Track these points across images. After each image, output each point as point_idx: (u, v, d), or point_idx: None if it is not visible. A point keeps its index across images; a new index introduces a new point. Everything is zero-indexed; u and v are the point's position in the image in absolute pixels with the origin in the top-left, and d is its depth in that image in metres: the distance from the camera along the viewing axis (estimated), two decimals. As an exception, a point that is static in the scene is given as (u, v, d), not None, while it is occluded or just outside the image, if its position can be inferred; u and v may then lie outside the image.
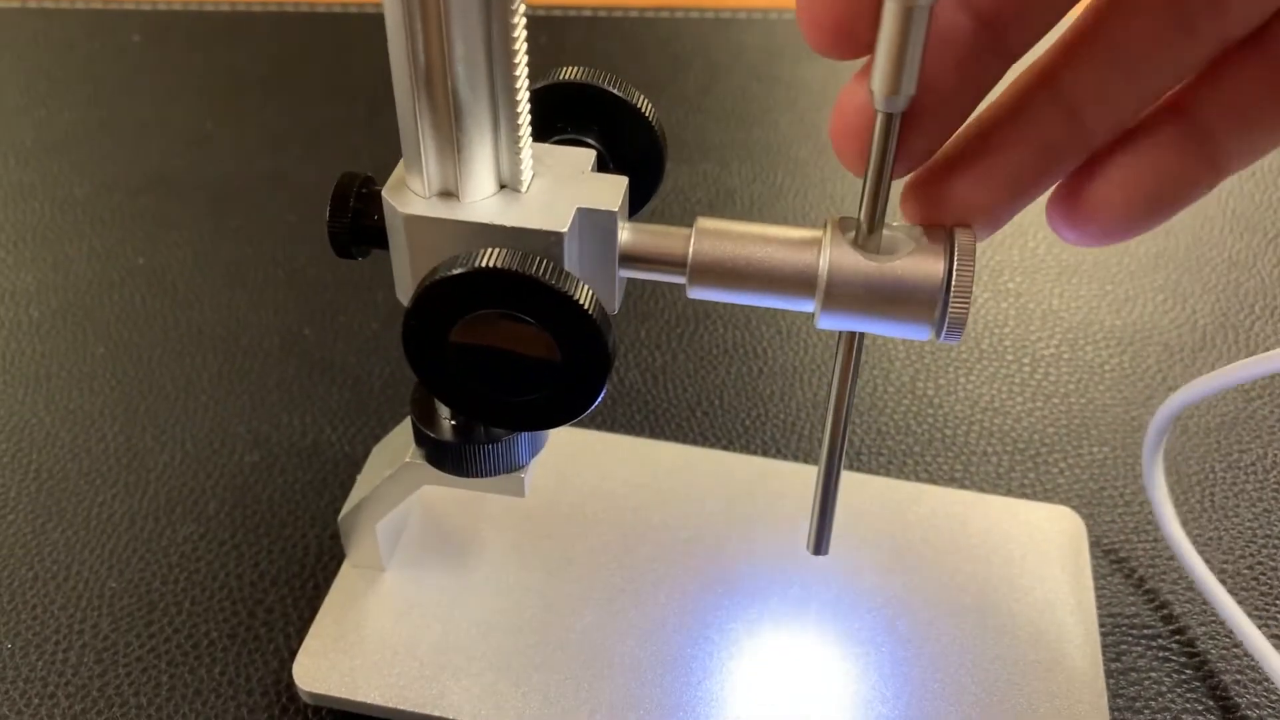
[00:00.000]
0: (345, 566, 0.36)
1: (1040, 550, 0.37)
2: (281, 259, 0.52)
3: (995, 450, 0.43)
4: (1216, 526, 0.41)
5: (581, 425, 0.42)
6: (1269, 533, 0.41)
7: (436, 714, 0.33)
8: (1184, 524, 0.41)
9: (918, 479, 0.42)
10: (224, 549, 0.39)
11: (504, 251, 0.25)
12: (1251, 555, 0.40)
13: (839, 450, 0.29)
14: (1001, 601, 0.36)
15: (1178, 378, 0.47)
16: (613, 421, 0.44)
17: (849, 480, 0.39)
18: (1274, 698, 0.35)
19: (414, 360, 0.26)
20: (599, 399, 0.26)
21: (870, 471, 0.42)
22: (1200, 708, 0.35)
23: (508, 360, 0.26)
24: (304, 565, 0.39)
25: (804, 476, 0.39)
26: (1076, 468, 0.43)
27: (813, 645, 0.34)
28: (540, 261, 0.25)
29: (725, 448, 0.43)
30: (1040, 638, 0.35)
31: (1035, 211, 0.55)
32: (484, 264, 0.25)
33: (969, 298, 0.26)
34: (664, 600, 0.35)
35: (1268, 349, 0.48)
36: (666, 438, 0.43)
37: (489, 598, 0.35)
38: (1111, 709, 0.35)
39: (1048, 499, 0.40)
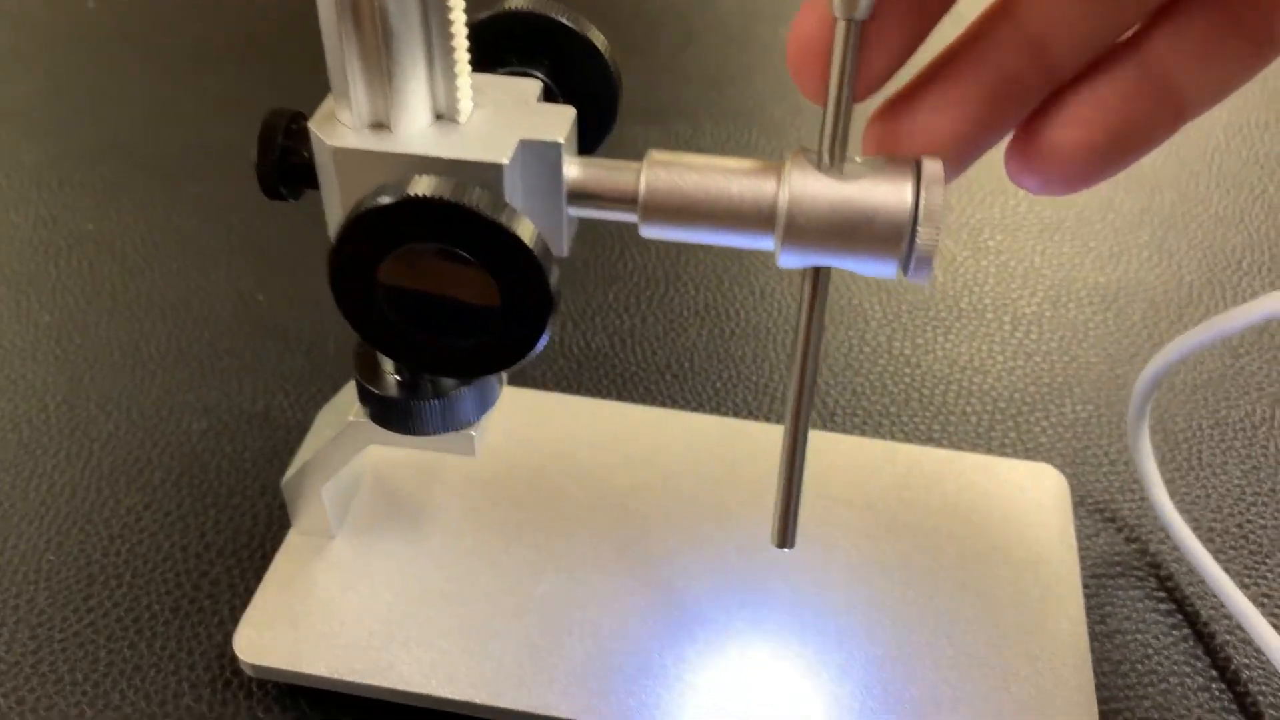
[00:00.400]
0: (291, 534, 0.35)
1: (1021, 509, 0.36)
2: (236, 226, 0.50)
3: (975, 409, 0.42)
4: (1204, 484, 0.39)
5: (544, 388, 0.40)
6: (1258, 490, 0.39)
7: (385, 685, 0.31)
8: (1170, 483, 0.39)
9: (893, 440, 0.40)
10: (169, 519, 0.38)
11: (437, 180, 0.23)
12: (1240, 514, 0.38)
13: (803, 427, 0.27)
14: (980, 562, 0.34)
15: (1164, 334, 0.45)
16: (579, 387, 0.43)
17: (819, 440, 0.38)
18: (1262, 660, 0.34)
19: (342, 301, 0.24)
20: (541, 343, 0.24)
21: (843, 432, 0.41)
22: (1188, 670, 0.34)
23: (442, 300, 0.24)
24: (252, 535, 0.37)
25: (777, 436, 0.38)
26: (1059, 426, 0.41)
27: (782, 609, 0.33)
28: (477, 191, 0.23)
29: (696, 411, 0.41)
30: (1022, 599, 0.33)
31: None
32: (415, 193, 0.23)
33: (938, 226, 0.24)
34: (628, 566, 0.34)
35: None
36: (635, 402, 0.42)
37: (443, 565, 0.34)
38: (1096, 672, 0.33)
39: (1030, 458, 0.39)
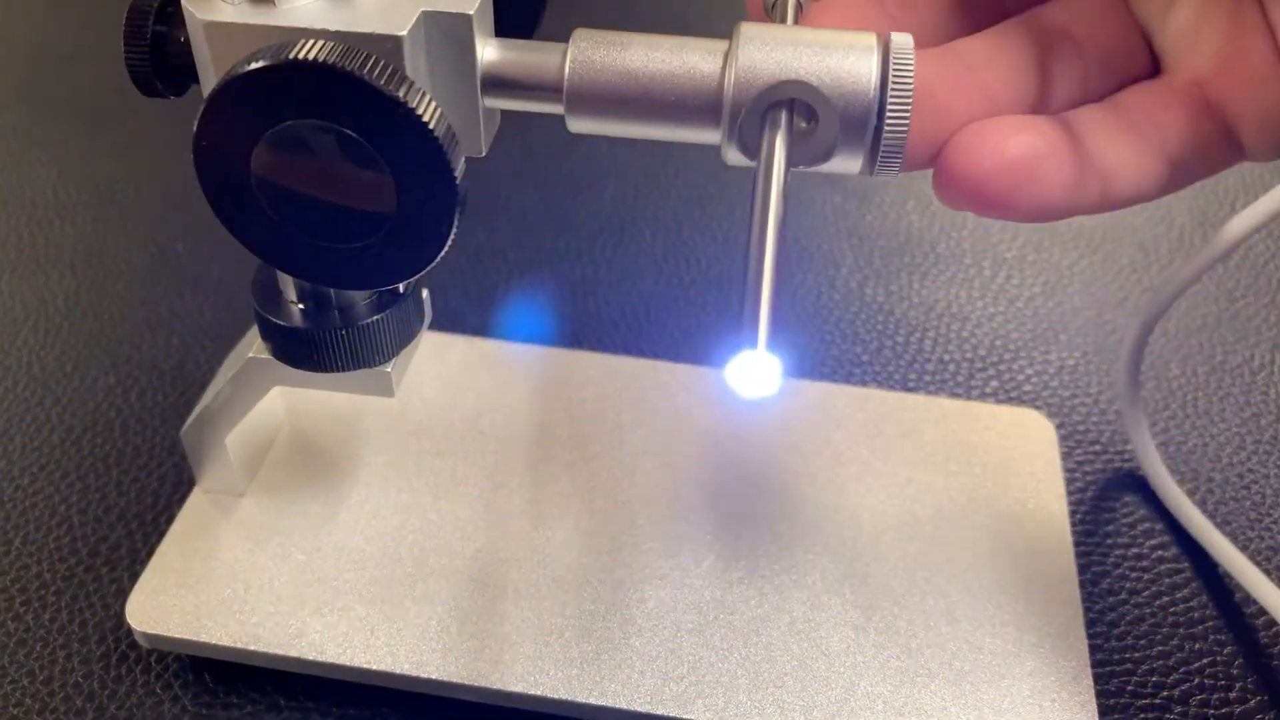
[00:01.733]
0: (196, 492, 0.31)
1: (1005, 457, 0.32)
2: (155, 176, 0.46)
3: (954, 357, 0.39)
4: (1201, 434, 0.36)
5: (482, 335, 0.37)
6: (1258, 438, 0.36)
7: (294, 655, 0.27)
8: (1165, 432, 0.36)
9: (865, 387, 0.37)
10: (65, 481, 0.34)
11: (322, 43, 0.20)
12: (1240, 463, 0.35)
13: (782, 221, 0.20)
14: (962, 514, 0.31)
15: (1153, 278, 0.42)
16: (525, 337, 0.39)
17: (789, 387, 0.34)
18: (1257, 613, 0.31)
19: (210, 192, 0.21)
20: (445, 248, 0.21)
21: (810, 380, 0.37)
22: (1188, 633, 0.31)
23: (328, 195, 0.20)
24: (158, 497, 0.33)
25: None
26: (1045, 374, 0.38)
27: (740, 565, 0.29)
28: (371, 58, 0.20)
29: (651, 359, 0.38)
30: (1008, 553, 0.30)
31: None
32: (295, 56, 0.19)
33: (909, 106, 0.21)
34: (569, 520, 0.30)
35: (1250, 247, 0.44)
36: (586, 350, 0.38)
37: (363, 523, 0.30)
38: (1090, 635, 0.30)
39: (1017, 406, 0.36)
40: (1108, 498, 0.34)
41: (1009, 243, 0.44)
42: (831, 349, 0.39)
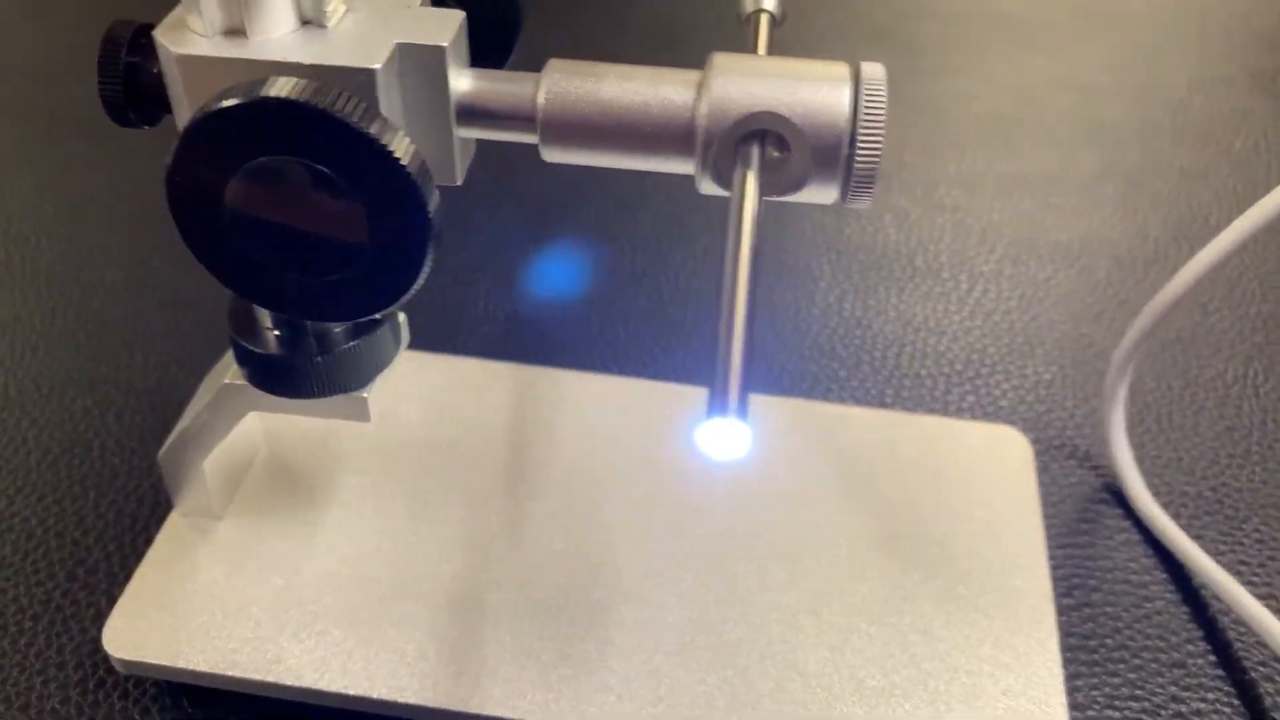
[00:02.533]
0: (173, 516, 0.31)
1: (981, 474, 0.33)
2: (133, 194, 0.46)
3: (930, 372, 0.39)
4: (1175, 448, 0.36)
5: (462, 354, 0.37)
6: (1231, 452, 0.36)
7: (272, 680, 0.27)
8: (1140, 446, 0.36)
9: (848, 405, 0.37)
10: (43, 504, 0.34)
11: (295, 80, 0.20)
12: (1214, 477, 0.36)
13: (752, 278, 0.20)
14: (938, 531, 0.31)
15: (1129, 291, 0.42)
16: (505, 355, 0.39)
17: (760, 403, 0.35)
18: (1240, 631, 0.31)
19: (183, 227, 0.21)
20: (420, 279, 0.21)
21: (788, 396, 0.37)
22: (1161, 644, 0.31)
23: (300, 229, 0.21)
24: (136, 519, 0.33)
25: (699, 399, 0.35)
26: (1021, 388, 0.38)
27: (719, 585, 0.29)
28: (343, 95, 0.20)
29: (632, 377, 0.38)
30: (983, 570, 0.30)
31: (972, 123, 0.51)
32: (269, 94, 0.19)
33: (880, 136, 0.21)
34: (548, 541, 0.30)
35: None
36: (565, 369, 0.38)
37: (340, 546, 0.30)
38: (1064, 648, 0.30)
39: (990, 422, 0.36)
40: (1084, 512, 0.34)
41: (986, 256, 0.44)
42: (810, 365, 0.39)
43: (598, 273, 0.43)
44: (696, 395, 0.35)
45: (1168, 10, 0.60)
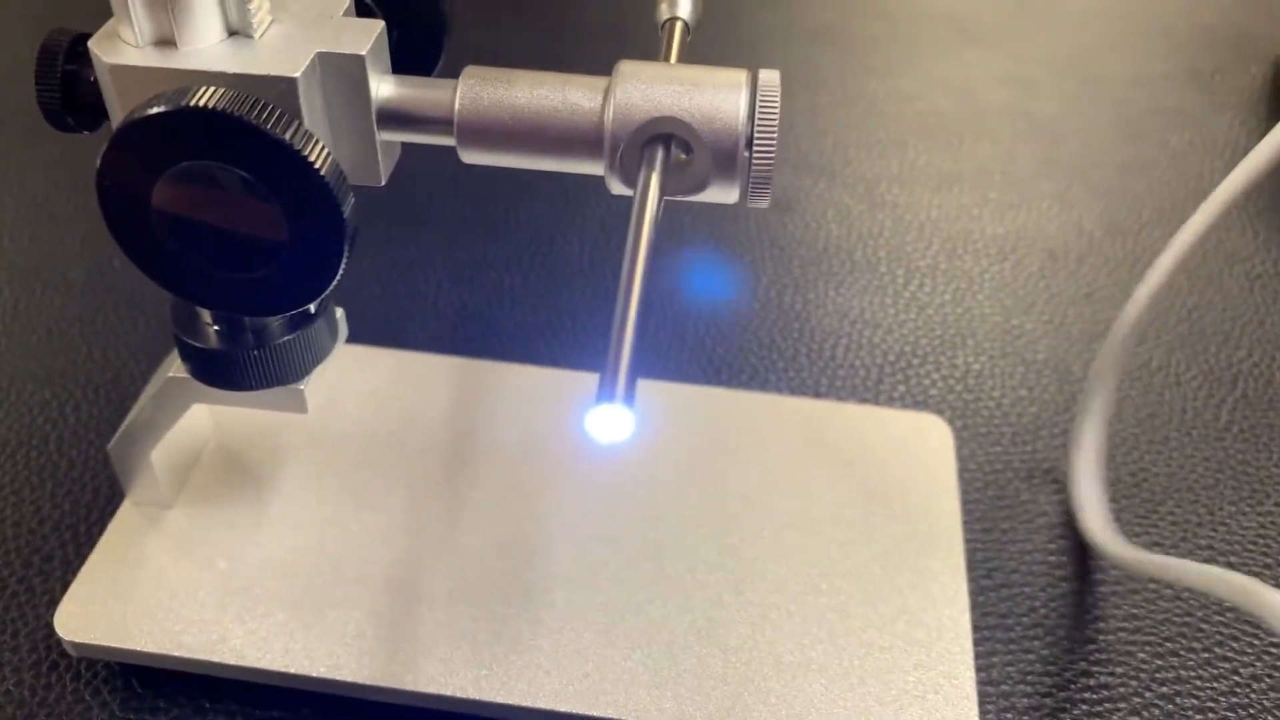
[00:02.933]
0: (126, 505, 0.32)
1: (902, 459, 0.34)
2: (93, 192, 0.47)
3: (864, 363, 0.40)
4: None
5: (410, 349, 0.38)
6: (1151, 438, 0.38)
7: (216, 660, 0.29)
8: (1065, 433, 0.38)
9: (779, 395, 0.38)
10: (0, 495, 0.35)
11: (217, 90, 0.21)
12: (1134, 461, 0.37)
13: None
14: (859, 514, 0.32)
15: (1061, 284, 0.44)
16: (453, 348, 0.40)
17: (694, 394, 0.36)
18: (1151, 608, 0.33)
19: (113, 226, 0.22)
20: (337, 277, 0.22)
21: (727, 387, 0.39)
22: (1073, 623, 0.32)
23: (224, 229, 0.22)
24: (91, 509, 0.35)
25: (657, 393, 0.36)
26: (951, 378, 0.40)
27: (649, 568, 0.31)
28: (262, 104, 0.21)
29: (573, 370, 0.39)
30: (900, 551, 0.31)
31: (914, 121, 0.52)
32: (191, 103, 0.21)
33: (774, 139, 0.22)
34: (485, 528, 0.32)
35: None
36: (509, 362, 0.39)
37: (285, 533, 0.31)
38: (978, 626, 0.32)
39: (919, 411, 0.37)
40: (1005, 496, 0.36)
41: (922, 251, 0.45)
42: (749, 357, 0.40)
43: (545, 268, 0.44)
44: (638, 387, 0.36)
45: (1109, 9, 0.62)
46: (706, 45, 0.52)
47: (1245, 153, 0.27)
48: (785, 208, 0.47)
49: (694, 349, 0.41)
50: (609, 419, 0.19)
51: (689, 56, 0.26)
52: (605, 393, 0.19)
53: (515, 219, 0.46)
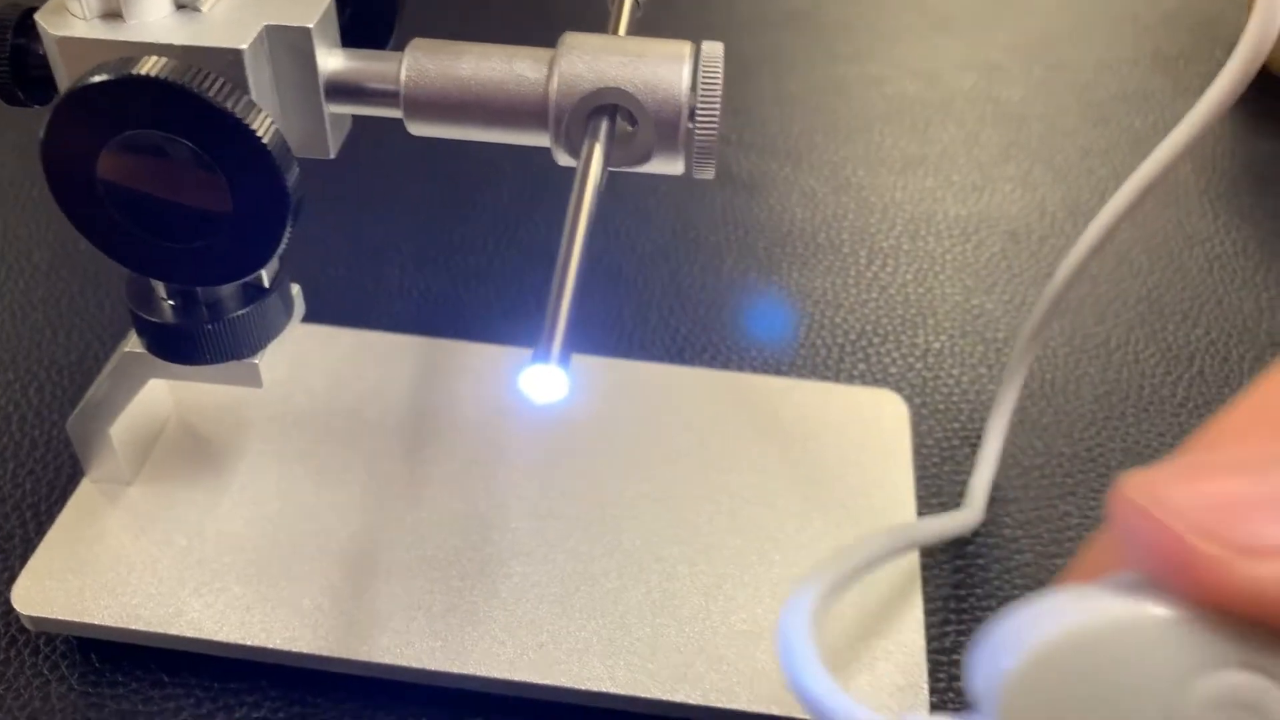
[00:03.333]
0: (85, 482, 0.32)
1: (857, 434, 0.34)
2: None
3: (826, 342, 0.41)
4: (1056, 410, 0.38)
5: (375, 329, 0.38)
6: (1109, 414, 0.38)
7: (174, 633, 0.29)
8: (1022, 409, 0.38)
9: (738, 372, 0.39)
10: (-38, 474, 0.35)
11: (162, 59, 0.21)
12: (1090, 438, 0.37)
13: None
14: (813, 487, 0.33)
15: (1022, 265, 0.44)
16: (417, 330, 0.40)
17: (655, 371, 0.36)
18: (1105, 579, 0.33)
19: (59, 195, 0.22)
20: (280, 248, 0.22)
21: (689, 365, 0.39)
22: (1019, 590, 0.33)
23: (168, 199, 0.22)
24: (53, 488, 0.35)
25: (618, 370, 0.36)
26: (910, 357, 0.40)
27: (606, 543, 0.31)
28: (206, 74, 0.21)
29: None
30: (852, 524, 0.32)
31: (880, 105, 0.53)
32: (136, 72, 0.21)
33: (717, 110, 0.23)
34: (444, 503, 0.32)
35: (1118, 234, 0.46)
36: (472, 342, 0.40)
37: (244, 509, 0.32)
38: (929, 599, 0.32)
39: (875, 387, 0.37)
40: (961, 472, 0.36)
41: (886, 232, 0.46)
42: (711, 335, 0.41)
43: (511, 251, 0.44)
44: (598, 364, 0.37)
45: (1077, -5, 0.62)
46: (674, 29, 0.53)
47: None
48: (751, 190, 0.48)
49: (657, 328, 0.41)
50: (543, 380, 0.20)
51: (641, 31, 0.26)
52: (540, 353, 0.19)
53: (482, 201, 0.47)
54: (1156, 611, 0.15)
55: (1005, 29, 0.59)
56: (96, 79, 0.21)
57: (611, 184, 0.49)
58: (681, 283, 0.43)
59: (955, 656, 0.31)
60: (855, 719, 0.17)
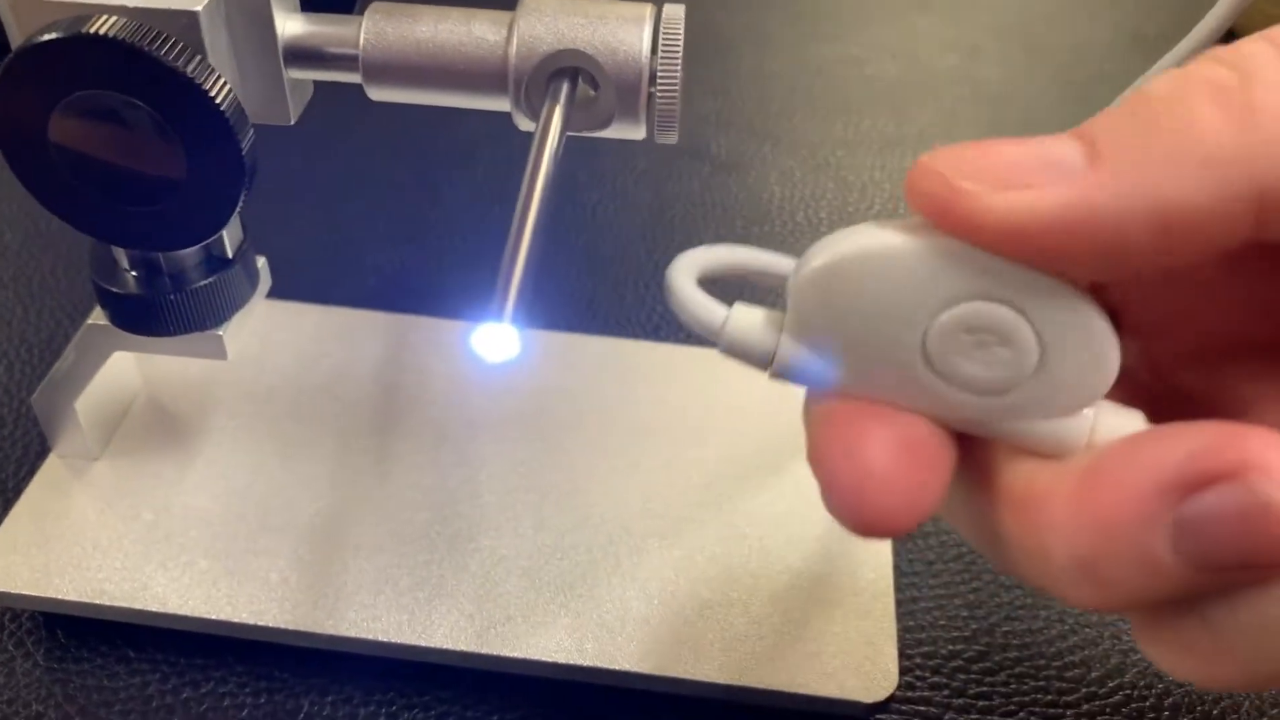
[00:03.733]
0: (51, 458, 0.32)
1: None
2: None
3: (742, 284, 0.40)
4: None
5: (336, 303, 0.38)
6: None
7: (138, 607, 0.29)
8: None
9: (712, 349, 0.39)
10: (-71, 452, 0.35)
11: (115, 18, 0.21)
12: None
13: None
14: (785, 461, 0.33)
15: (999, 243, 0.44)
16: (389, 307, 0.40)
17: (628, 347, 0.36)
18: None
19: (10, 156, 0.22)
20: (233, 213, 0.22)
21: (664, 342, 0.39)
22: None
23: (121, 162, 0.22)
24: (21, 465, 0.34)
25: (581, 347, 0.36)
26: (886, 334, 0.40)
27: (575, 516, 0.31)
28: (160, 35, 0.21)
29: (508, 326, 0.39)
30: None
31: (860, 86, 0.52)
32: (88, 30, 0.20)
33: (677, 73, 0.22)
34: (413, 477, 0.32)
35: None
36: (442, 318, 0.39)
37: (211, 484, 0.31)
38: (903, 572, 0.32)
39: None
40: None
41: (864, 212, 0.45)
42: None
43: (485, 230, 0.44)
44: (570, 341, 0.37)
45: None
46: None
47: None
48: (730, 169, 0.47)
49: (633, 306, 0.41)
50: (496, 338, 0.19)
51: None
52: (493, 312, 0.19)
53: (457, 181, 0.46)
54: (919, 241, 0.17)
55: (985, 10, 0.59)
56: (46, 37, 0.21)
57: (588, 161, 0.49)
58: (659, 261, 0.43)
59: (926, 622, 0.31)
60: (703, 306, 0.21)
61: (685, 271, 0.21)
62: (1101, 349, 0.17)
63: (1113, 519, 0.16)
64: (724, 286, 0.21)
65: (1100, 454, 0.17)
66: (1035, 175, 0.16)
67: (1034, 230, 0.16)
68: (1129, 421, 0.18)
